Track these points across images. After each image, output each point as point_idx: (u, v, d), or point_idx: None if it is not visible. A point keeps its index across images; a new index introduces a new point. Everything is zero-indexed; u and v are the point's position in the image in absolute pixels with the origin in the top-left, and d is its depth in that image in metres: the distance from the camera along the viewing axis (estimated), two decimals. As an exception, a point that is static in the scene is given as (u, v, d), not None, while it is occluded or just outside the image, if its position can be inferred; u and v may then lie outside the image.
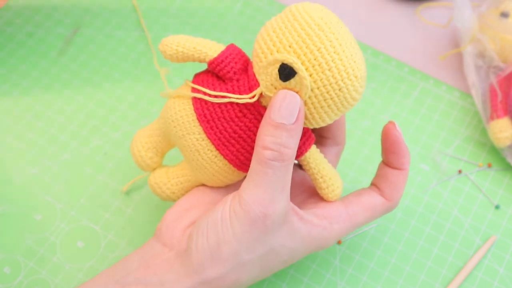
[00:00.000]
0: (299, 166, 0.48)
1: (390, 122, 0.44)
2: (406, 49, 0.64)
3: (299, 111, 0.39)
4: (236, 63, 0.42)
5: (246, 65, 0.43)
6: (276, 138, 0.39)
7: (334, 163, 0.47)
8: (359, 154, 0.57)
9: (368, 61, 0.62)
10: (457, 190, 0.55)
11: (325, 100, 0.39)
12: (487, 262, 0.52)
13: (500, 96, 0.56)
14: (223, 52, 0.42)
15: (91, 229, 0.52)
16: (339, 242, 0.52)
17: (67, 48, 0.62)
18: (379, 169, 0.46)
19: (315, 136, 0.48)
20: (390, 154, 0.44)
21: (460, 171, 0.56)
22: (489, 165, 0.56)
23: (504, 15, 0.59)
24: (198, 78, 0.44)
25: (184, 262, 0.41)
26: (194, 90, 0.43)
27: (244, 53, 0.43)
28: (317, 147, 0.46)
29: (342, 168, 0.56)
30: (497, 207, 0.54)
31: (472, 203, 0.55)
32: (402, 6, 0.66)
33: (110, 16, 0.64)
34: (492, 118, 0.56)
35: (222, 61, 0.42)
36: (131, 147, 0.48)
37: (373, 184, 0.46)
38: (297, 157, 0.43)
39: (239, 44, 0.45)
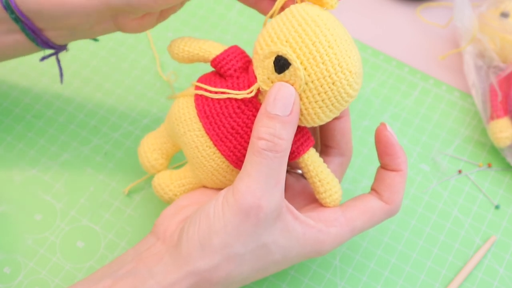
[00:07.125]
0: (302, 176, 0.48)
1: (381, 124, 0.44)
2: (406, 49, 0.64)
3: (293, 103, 0.40)
4: (237, 61, 0.43)
5: (247, 65, 0.44)
6: (270, 129, 0.39)
7: (338, 173, 0.47)
8: (359, 154, 0.57)
9: (368, 61, 0.62)
10: (457, 190, 0.55)
11: (319, 94, 0.40)
12: (487, 262, 0.52)
13: (500, 96, 0.56)
14: (225, 51, 0.44)
15: (91, 229, 0.52)
16: (339, 242, 0.52)
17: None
18: (377, 173, 0.45)
19: (320, 146, 0.48)
20: (385, 156, 0.44)
21: (460, 171, 0.56)
22: (489, 165, 0.56)
23: (504, 15, 0.59)
24: (202, 78, 0.45)
25: (173, 254, 0.41)
26: (197, 88, 0.44)
27: (246, 53, 0.44)
28: (321, 156, 0.46)
29: (342, 168, 0.56)
30: (497, 207, 0.54)
31: (472, 203, 0.55)
32: (402, 6, 0.66)
33: (110, 16, 0.64)
34: (492, 118, 0.56)
35: (224, 58, 0.43)
36: (139, 149, 0.49)
37: (372, 189, 0.45)
38: (294, 158, 0.43)
39: (239, 44, 0.46)
